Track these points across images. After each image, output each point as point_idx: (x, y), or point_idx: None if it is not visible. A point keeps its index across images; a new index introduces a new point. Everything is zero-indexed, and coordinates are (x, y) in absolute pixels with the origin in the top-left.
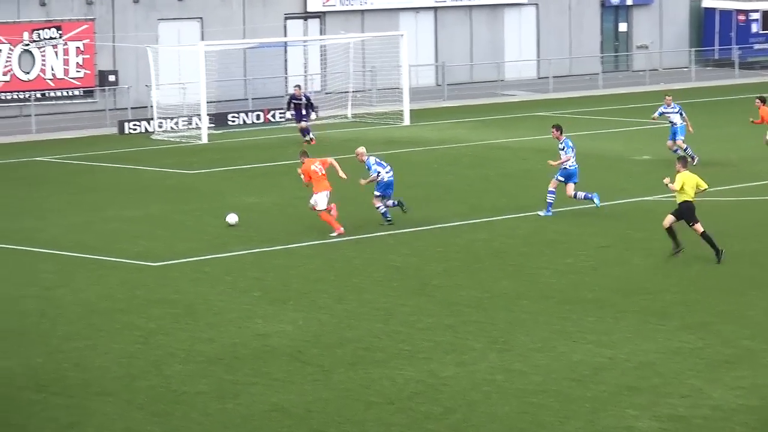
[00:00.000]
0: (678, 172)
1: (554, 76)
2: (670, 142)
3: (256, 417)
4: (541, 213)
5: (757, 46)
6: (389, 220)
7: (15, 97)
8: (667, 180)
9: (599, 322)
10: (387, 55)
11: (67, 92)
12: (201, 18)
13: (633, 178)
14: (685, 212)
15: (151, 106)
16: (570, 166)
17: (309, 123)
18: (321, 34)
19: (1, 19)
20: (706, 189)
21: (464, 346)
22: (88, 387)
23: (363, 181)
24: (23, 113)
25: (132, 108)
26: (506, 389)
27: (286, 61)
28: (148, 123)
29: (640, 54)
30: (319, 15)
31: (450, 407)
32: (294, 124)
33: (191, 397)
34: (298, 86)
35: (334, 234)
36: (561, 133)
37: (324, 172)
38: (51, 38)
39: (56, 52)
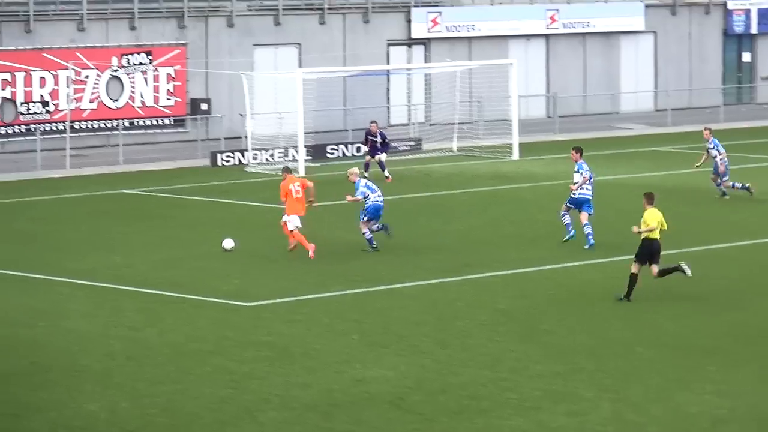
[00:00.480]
0: (645, 208)
1: (672, 109)
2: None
3: None
4: (585, 246)
5: None
6: (374, 247)
7: (102, 125)
8: (635, 228)
9: (718, 370)
10: (495, 84)
11: (157, 121)
12: (299, 44)
13: (759, 217)
14: (655, 252)
15: (246, 137)
16: (581, 194)
17: (383, 158)
18: (426, 61)
19: (89, 44)
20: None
21: (575, 395)
22: None
23: (349, 198)
24: (110, 143)
25: (225, 138)
26: None
27: (388, 90)
28: (242, 154)
29: (765, 86)
30: (424, 42)
31: None
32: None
33: None
34: (375, 122)
35: (311, 254)
36: (580, 156)
37: (301, 195)
38: (141, 64)
39: (146, 79)
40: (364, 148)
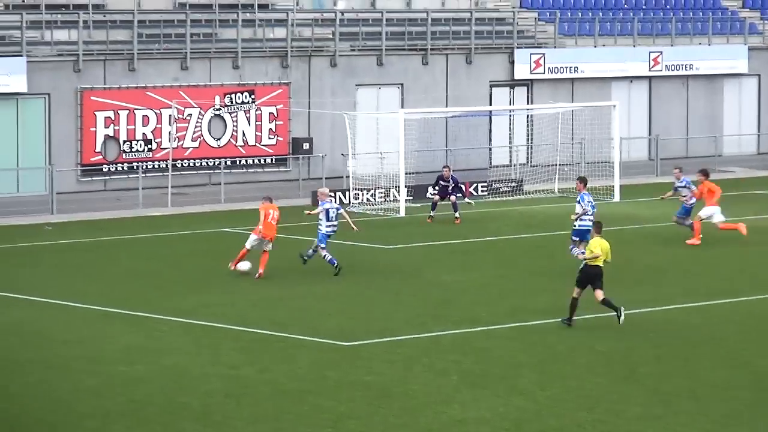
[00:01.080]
0: (592, 237)
1: None
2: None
3: None
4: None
5: None
6: (337, 268)
7: (204, 164)
8: (579, 254)
9: None
10: (597, 126)
11: (259, 160)
12: (402, 84)
13: None
14: (596, 277)
15: (347, 176)
16: (580, 225)
17: (455, 200)
18: (528, 102)
19: (192, 82)
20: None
21: None
22: None
23: (307, 212)
24: (212, 181)
25: (326, 178)
26: None
27: (490, 131)
28: (344, 194)
29: None
30: (527, 83)
31: None
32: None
33: None
34: (447, 167)
35: (259, 273)
36: (584, 186)
37: (275, 222)
38: (243, 103)
39: (248, 118)
40: (432, 191)
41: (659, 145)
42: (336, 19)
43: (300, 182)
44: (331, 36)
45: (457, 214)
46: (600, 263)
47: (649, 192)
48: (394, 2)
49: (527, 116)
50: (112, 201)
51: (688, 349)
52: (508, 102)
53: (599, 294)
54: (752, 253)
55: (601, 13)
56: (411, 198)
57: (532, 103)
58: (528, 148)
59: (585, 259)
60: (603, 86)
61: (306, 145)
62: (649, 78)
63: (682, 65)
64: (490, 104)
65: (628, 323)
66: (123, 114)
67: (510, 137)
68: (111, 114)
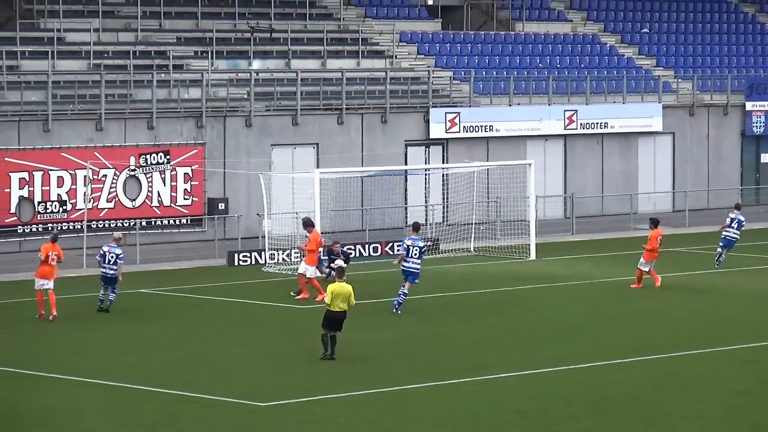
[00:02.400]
0: (336, 281)
1: (690, 209)
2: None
3: None
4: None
5: None
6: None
7: (119, 224)
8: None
9: None
10: (513, 184)
11: (174, 220)
12: (317, 143)
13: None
14: (336, 320)
15: (263, 236)
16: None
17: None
18: (443, 161)
19: (107, 143)
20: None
21: None
22: None
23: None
24: (128, 242)
25: (242, 238)
26: None
27: (406, 190)
28: (259, 254)
29: None
30: (442, 142)
31: None
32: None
33: None
34: (337, 243)
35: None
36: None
37: (54, 262)
38: (159, 163)
39: (163, 178)
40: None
41: (575, 203)
42: (251, 79)
43: (216, 242)
44: (246, 96)
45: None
46: (341, 308)
47: (565, 250)
48: (309, 62)
49: (443, 175)
50: (27, 262)
51: (604, 407)
52: (423, 161)
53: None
54: (667, 310)
55: (516, 72)
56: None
57: (447, 162)
58: (444, 207)
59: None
60: (518, 144)
61: (221, 206)
62: (564, 136)
63: (597, 123)
64: (406, 163)
65: (544, 381)
66: (38, 175)
67: (426, 196)
68: (26, 175)
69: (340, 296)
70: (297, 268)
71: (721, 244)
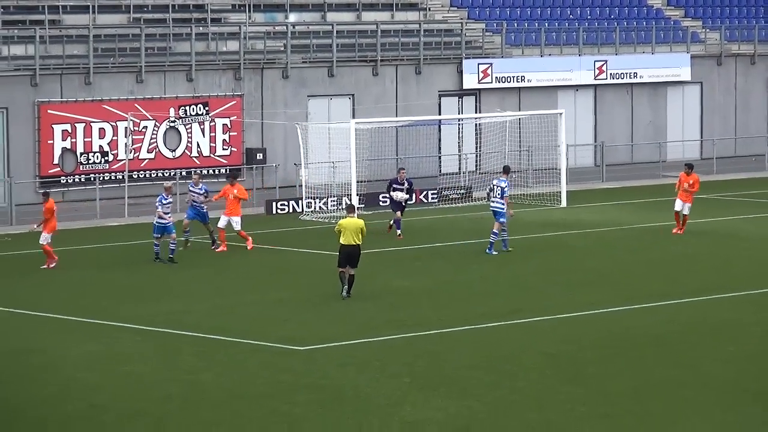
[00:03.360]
0: (346, 217)
1: (718, 157)
2: None
3: None
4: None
5: None
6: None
7: (160, 175)
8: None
9: (765, 413)
10: (544, 134)
11: (214, 170)
12: (353, 95)
13: None
14: (352, 256)
15: (300, 186)
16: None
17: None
18: (476, 112)
19: (147, 95)
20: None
21: None
22: None
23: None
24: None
25: (280, 187)
26: None
27: (440, 140)
28: (296, 203)
29: None
30: (475, 92)
31: None
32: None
33: None
34: (403, 169)
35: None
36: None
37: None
38: (197, 115)
39: (203, 130)
40: (384, 197)
41: (605, 151)
42: (287, 32)
43: (254, 192)
44: (282, 48)
45: (399, 231)
46: (353, 242)
47: (595, 197)
48: (345, 15)
49: (476, 125)
50: (70, 212)
51: (633, 350)
52: (456, 111)
53: (350, 271)
54: (696, 255)
55: (547, 24)
56: (363, 206)
57: (480, 112)
58: (477, 156)
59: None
60: (549, 95)
61: (259, 156)
62: (595, 86)
63: (627, 74)
64: (440, 114)
65: (575, 325)
66: (80, 127)
67: (459, 146)
68: (68, 127)
69: (350, 229)
70: (330, 217)
71: None
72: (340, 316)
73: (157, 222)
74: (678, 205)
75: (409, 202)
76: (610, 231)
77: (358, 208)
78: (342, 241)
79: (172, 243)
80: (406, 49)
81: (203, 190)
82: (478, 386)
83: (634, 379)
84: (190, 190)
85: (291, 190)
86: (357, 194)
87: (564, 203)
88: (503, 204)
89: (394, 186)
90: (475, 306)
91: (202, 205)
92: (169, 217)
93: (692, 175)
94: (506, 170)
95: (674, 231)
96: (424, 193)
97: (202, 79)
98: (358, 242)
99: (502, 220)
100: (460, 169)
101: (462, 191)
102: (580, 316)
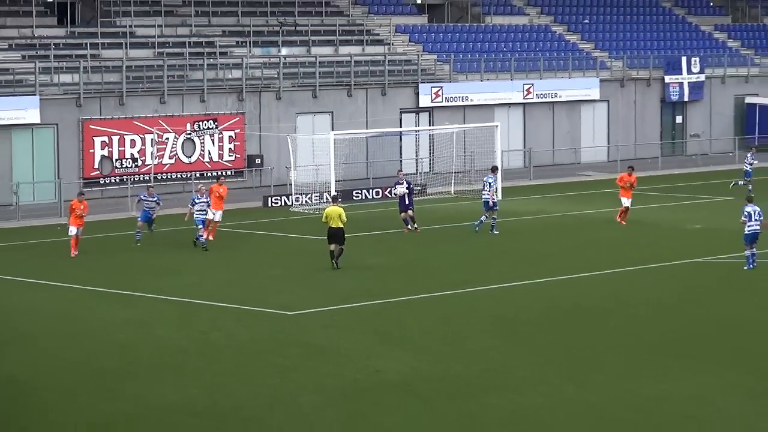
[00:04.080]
0: (331, 205)
1: (621, 159)
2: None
3: None
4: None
5: None
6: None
7: (179, 176)
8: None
9: (662, 362)
10: (484, 142)
11: (221, 172)
12: (332, 111)
13: (689, 243)
14: (336, 236)
15: (290, 184)
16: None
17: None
18: (430, 125)
19: (168, 113)
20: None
21: (547, 382)
22: (235, 413)
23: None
24: (185, 189)
25: (274, 185)
26: (582, 418)
27: (401, 147)
28: (287, 198)
29: (692, 141)
30: (429, 110)
31: None
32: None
33: (319, 422)
34: (401, 170)
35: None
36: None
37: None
38: (209, 128)
39: (213, 140)
40: (394, 192)
41: (532, 155)
42: (280, 62)
43: (254, 189)
44: (276, 76)
45: (416, 225)
46: (338, 225)
47: (524, 192)
48: (325, 49)
49: (429, 135)
50: (109, 206)
51: (560, 313)
52: (414, 124)
53: (335, 248)
54: (608, 239)
55: (486, 55)
56: (340, 200)
57: (433, 125)
58: (430, 160)
59: (326, 222)
60: (488, 111)
61: (258, 160)
62: (524, 104)
63: (549, 94)
64: (401, 126)
65: (514, 293)
66: (115, 139)
67: (416, 152)
68: (106, 139)
69: (332, 216)
70: (315, 209)
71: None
72: (323, 288)
73: (196, 217)
74: (624, 201)
75: (411, 197)
76: (539, 218)
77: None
78: (329, 224)
79: (200, 234)
80: (374, 76)
81: (156, 198)
82: (433, 343)
83: (560, 335)
84: (144, 199)
85: (283, 187)
86: (335, 191)
87: (500, 196)
88: (488, 196)
89: (396, 184)
90: (432, 279)
91: (153, 211)
92: (203, 213)
93: (632, 175)
94: (494, 169)
95: (617, 218)
96: (388, 189)
97: (213, 100)
98: (340, 225)
99: (486, 209)
100: (417, 170)
101: (419, 188)
102: (518, 285)
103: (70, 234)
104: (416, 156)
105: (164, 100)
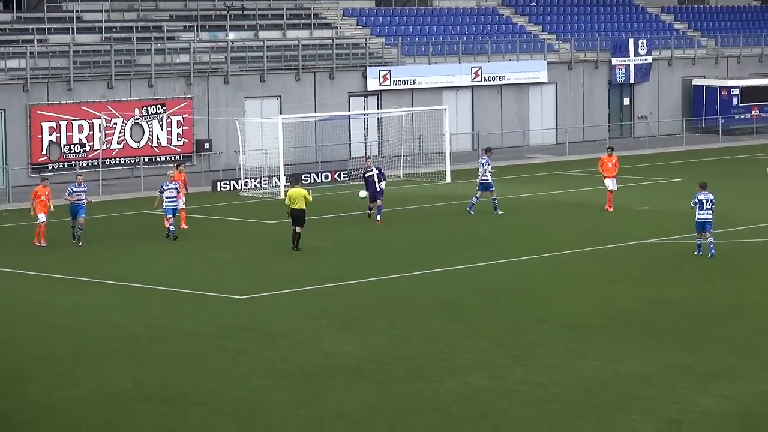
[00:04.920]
0: (293, 187)
1: (570, 142)
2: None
3: (324, 422)
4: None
5: (737, 116)
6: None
7: (127, 161)
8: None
9: (607, 343)
10: (432, 125)
11: (170, 157)
12: (280, 96)
13: (636, 225)
14: (298, 218)
15: (239, 168)
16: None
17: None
18: (378, 108)
19: (116, 98)
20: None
21: (495, 363)
22: (186, 397)
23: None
24: (134, 175)
25: (223, 170)
26: (529, 398)
27: (349, 131)
28: (236, 182)
29: (640, 123)
30: (377, 93)
31: (483, 413)
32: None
33: (270, 405)
34: (369, 158)
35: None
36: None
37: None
38: (157, 113)
39: (161, 125)
40: (363, 193)
41: (480, 138)
42: (228, 47)
43: (203, 174)
44: (224, 60)
45: (378, 217)
46: (301, 206)
47: (473, 175)
48: (273, 33)
49: (378, 119)
50: (56, 192)
51: (504, 295)
52: (362, 108)
53: (298, 229)
54: (552, 221)
55: (433, 38)
56: (288, 184)
57: (381, 109)
58: (379, 143)
59: (288, 205)
60: (436, 94)
61: (206, 145)
62: (472, 87)
63: (497, 77)
64: (349, 110)
65: (459, 276)
66: (63, 124)
67: (365, 135)
68: (54, 124)
69: (296, 198)
70: (264, 193)
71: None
72: (272, 272)
73: (166, 205)
74: (608, 183)
75: (382, 179)
76: (486, 201)
77: (285, 185)
78: (292, 206)
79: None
80: (322, 60)
81: (85, 188)
82: (381, 325)
83: (505, 318)
84: (75, 191)
85: (232, 172)
86: (284, 174)
87: (449, 180)
88: (486, 177)
89: (366, 173)
90: (379, 262)
91: (82, 202)
92: (173, 201)
93: (612, 156)
94: (488, 150)
95: (606, 207)
96: (337, 173)
97: (160, 85)
98: (303, 207)
99: (492, 189)
100: (365, 154)
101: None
102: (463, 268)
103: (39, 221)
104: (365, 140)
105: (112, 85)
